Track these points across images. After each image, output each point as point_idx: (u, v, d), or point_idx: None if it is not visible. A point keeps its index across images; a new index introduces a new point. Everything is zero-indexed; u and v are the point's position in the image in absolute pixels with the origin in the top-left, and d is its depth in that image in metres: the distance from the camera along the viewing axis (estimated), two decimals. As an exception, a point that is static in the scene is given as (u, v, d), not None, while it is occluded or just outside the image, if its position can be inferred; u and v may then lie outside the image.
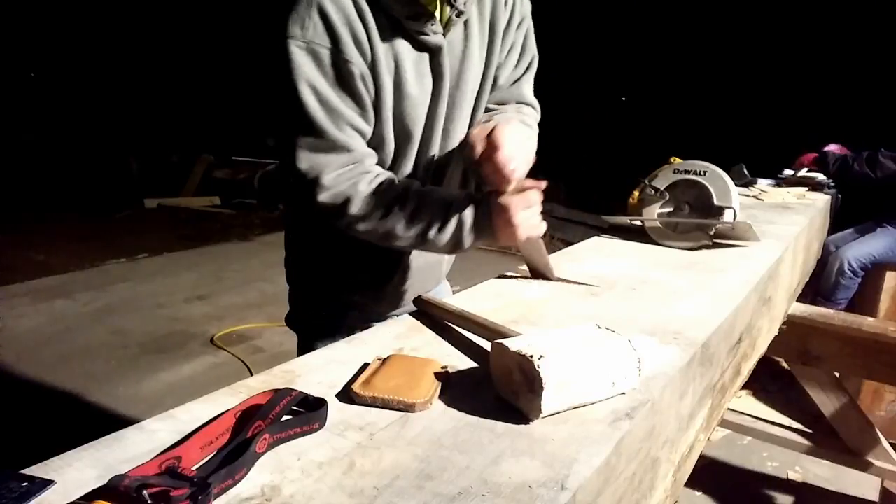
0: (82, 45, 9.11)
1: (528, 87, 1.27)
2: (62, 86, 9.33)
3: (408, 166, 1.14)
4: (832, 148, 3.10)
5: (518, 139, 1.01)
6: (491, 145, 0.98)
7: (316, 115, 0.98)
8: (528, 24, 1.23)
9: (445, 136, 1.17)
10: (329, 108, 0.99)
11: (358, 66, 1.00)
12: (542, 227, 1.08)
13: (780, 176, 2.90)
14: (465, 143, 1.07)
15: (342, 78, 0.99)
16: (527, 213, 1.04)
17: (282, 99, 1.00)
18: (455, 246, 1.08)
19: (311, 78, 0.98)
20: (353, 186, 1.02)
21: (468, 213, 1.05)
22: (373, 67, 1.02)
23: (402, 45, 1.05)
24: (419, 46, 1.07)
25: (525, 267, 1.32)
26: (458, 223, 1.05)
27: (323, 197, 1.02)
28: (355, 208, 1.02)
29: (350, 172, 1.02)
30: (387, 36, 1.02)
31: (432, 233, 1.05)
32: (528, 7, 1.22)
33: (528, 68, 1.26)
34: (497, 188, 1.03)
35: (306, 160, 1.00)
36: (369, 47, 1.01)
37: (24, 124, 8.82)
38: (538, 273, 1.24)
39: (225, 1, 8.88)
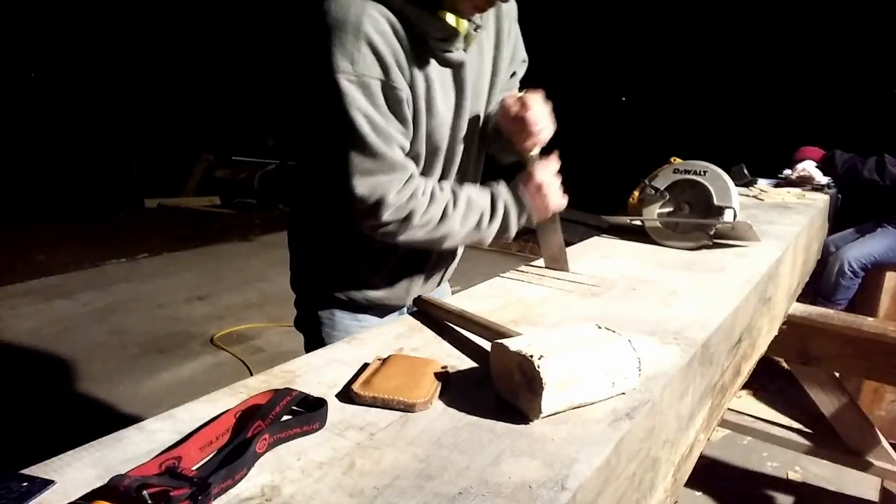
0: (82, 45, 9.10)
1: (516, 87, 1.35)
2: (62, 86, 9.32)
3: (434, 177, 1.18)
4: (808, 152, 2.99)
5: (545, 106, 1.14)
6: (523, 105, 1.11)
7: (372, 141, 1.01)
8: (517, 27, 1.28)
9: (466, 145, 1.21)
10: (380, 132, 1.02)
11: (404, 91, 1.04)
12: (565, 200, 1.19)
13: (780, 176, 2.89)
14: (499, 107, 1.17)
15: (391, 104, 1.03)
16: (551, 179, 1.16)
17: (333, 129, 1.02)
18: (504, 230, 1.16)
19: (363, 108, 1.00)
20: (413, 200, 1.06)
21: (507, 195, 1.15)
22: (411, 89, 1.06)
23: (431, 64, 1.09)
24: (443, 63, 1.10)
25: (524, 266, 1.31)
26: (504, 208, 1.15)
27: (388, 216, 1.05)
28: (418, 219, 1.07)
29: (408, 188, 1.06)
30: (419, 57, 1.06)
31: (484, 224, 1.13)
32: (514, 10, 1.27)
33: (516, 70, 1.32)
34: (523, 150, 1.15)
35: (365, 184, 1.03)
36: (409, 71, 1.04)
37: (24, 124, 8.81)
38: (554, 261, 1.30)
39: (225, 1, 8.88)
